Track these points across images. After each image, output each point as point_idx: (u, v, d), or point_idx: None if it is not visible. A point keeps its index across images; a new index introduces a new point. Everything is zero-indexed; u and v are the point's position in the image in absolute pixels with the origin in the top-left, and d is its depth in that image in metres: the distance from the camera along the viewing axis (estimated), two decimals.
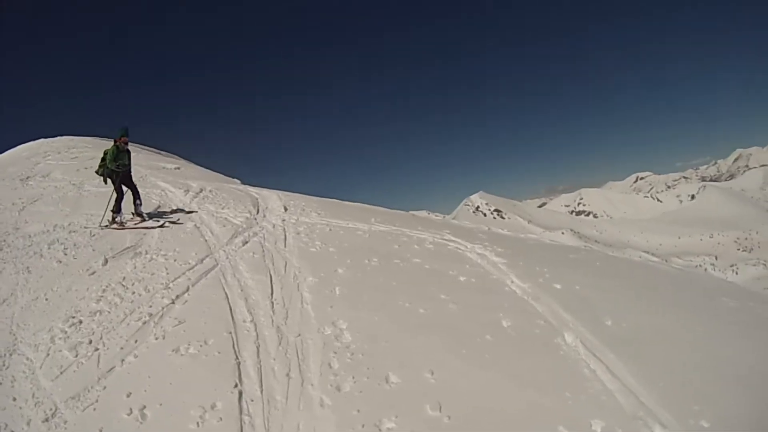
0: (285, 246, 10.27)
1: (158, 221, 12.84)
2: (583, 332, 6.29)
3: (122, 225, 12.60)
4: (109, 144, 13.78)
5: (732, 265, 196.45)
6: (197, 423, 4.99)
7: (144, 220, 13.11)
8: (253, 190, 17.35)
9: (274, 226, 11.78)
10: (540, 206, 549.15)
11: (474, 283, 8.14)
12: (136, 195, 13.57)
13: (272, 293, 7.92)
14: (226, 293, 7.96)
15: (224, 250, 10.06)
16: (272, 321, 7.00)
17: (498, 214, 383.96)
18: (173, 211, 13.97)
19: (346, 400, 5.17)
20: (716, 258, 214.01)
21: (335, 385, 5.42)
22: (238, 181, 22.61)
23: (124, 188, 13.44)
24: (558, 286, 7.87)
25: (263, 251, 9.93)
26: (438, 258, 9.48)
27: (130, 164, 13.65)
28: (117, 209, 12.92)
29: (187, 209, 13.94)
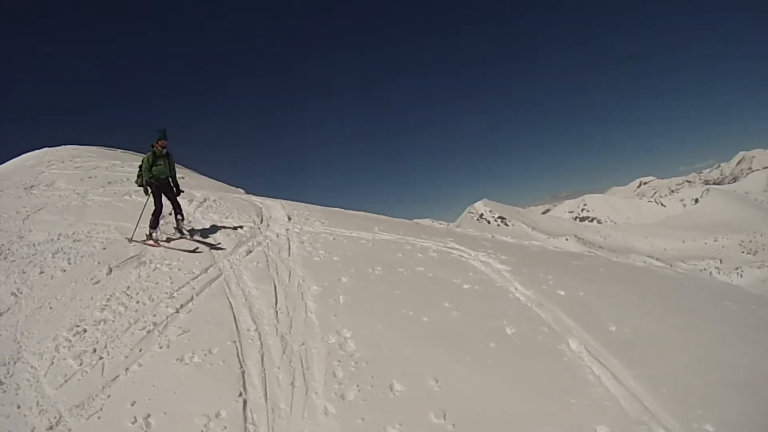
0: (289, 255, 10.30)
1: (198, 243, 11.46)
2: (587, 338, 6.32)
3: (157, 242, 11.43)
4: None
5: (737, 268, 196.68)
6: (201, 431, 5.00)
7: (184, 238, 11.95)
8: (257, 200, 17.39)
9: (278, 236, 11.79)
10: (544, 213, 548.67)
11: (478, 291, 8.17)
12: (177, 209, 12.32)
13: (276, 302, 7.94)
14: (230, 302, 7.97)
15: (228, 260, 10.07)
16: (276, 330, 7.01)
17: (502, 222, 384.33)
18: (216, 228, 12.97)
19: (351, 408, 5.17)
20: (721, 261, 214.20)
21: (339, 393, 5.42)
22: (242, 191, 22.66)
23: (165, 200, 12.09)
24: (562, 293, 7.90)
25: (267, 261, 9.95)
26: (442, 266, 9.50)
27: (171, 172, 12.23)
28: (154, 224, 11.65)
29: (192, 218, 13.87)
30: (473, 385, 5.46)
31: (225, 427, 5.04)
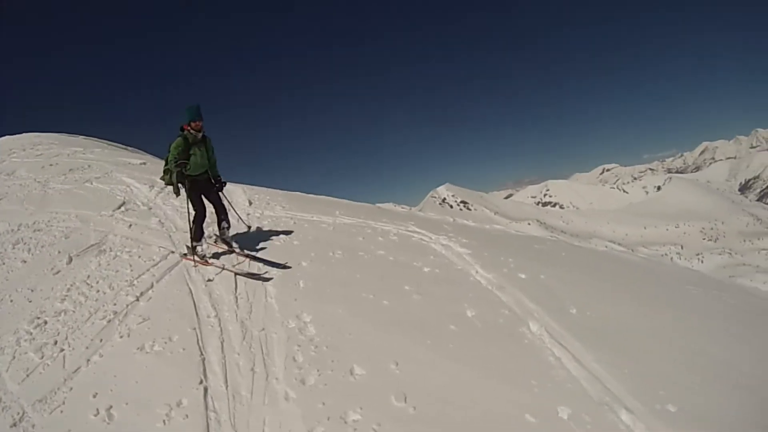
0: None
1: (263, 262, 8.90)
2: (548, 321, 6.39)
3: (204, 260, 9.02)
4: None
5: (698, 254, 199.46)
6: (163, 421, 4.96)
7: (232, 251, 9.40)
8: None
9: (238, 221, 11.74)
10: (507, 198, 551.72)
11: (438, 274, 8.20)
12: (221, 214, 9.62)
13: (236, 288, 7.91)
14: (190, 289, 7.93)
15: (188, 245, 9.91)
16: (236, 316, 7.00)
17: (464, 206, 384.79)
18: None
19: (311, 393, 5.17)
20: (682, 247, 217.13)
21: (300, 378, 5.42)
22: None
23: (206, 202, 9.57)
24: (523, 276, 7.96)
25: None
26: (402, 250, 9.53)
27: (213, 162, 9.52)
28: (198, 235, 9.24)
29: (150, 205, 13.65)
30: (434, 368, 5.49)
31: (187, 416, 5.02)
